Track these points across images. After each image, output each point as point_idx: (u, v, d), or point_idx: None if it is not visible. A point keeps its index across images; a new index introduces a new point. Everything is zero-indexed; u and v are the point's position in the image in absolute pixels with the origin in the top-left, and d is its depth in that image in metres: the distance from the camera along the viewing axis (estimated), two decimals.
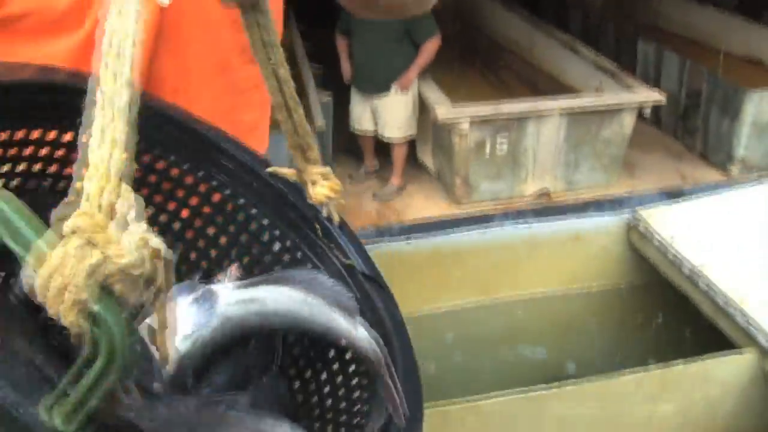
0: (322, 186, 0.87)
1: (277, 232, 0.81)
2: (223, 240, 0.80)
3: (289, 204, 0.80)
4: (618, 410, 1.28)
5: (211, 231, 0.79)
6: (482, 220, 1.75)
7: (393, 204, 2.65)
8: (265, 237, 0.81)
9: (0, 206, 0.49)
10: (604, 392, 1.27)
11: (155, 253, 0.50)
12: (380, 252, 1.44)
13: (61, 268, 0.48)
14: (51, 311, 0.47)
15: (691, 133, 2.98)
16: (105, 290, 0.50)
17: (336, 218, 0.84)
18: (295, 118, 0.75)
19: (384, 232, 1.76)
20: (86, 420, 0.51)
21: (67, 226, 0.48)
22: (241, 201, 0.80)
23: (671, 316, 1.62)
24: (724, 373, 1.33)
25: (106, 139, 0.52)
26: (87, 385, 0.51)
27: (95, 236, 0.48)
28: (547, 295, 1.72)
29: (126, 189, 0.51)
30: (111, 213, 0.49)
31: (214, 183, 0.79)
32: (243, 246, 0.81)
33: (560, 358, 1.53)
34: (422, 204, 2.63)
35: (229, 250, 0.79)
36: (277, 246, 0.81)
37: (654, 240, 1.64)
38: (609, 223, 1.73)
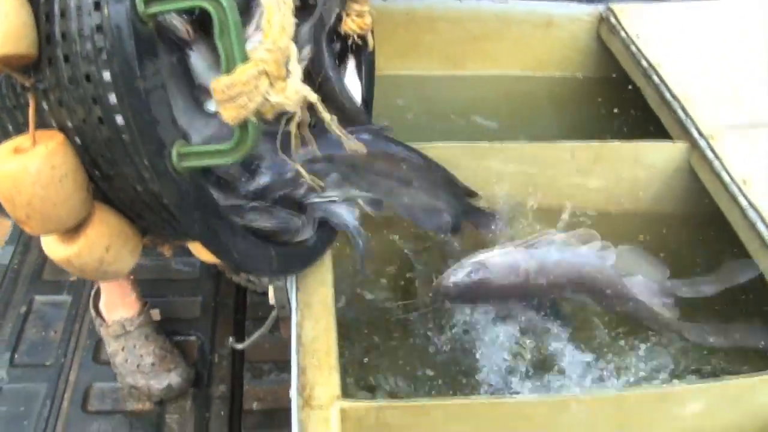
0: (353, 21, 1.12)
1: None
2: None
3: None
4: (552, 175, 1.39)
5: None
6: None
7: None
8: None
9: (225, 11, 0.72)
10: (541, 155, 1.38)
11: (303, 99, 0.78)
12: None
13: (243, 80, 0.72)
14: (219, 106, 0.75)
15: None
16: (259, 112, 0.75)
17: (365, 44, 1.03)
18: None
19: None
20: (189, 170, 0.81)
21: (257, 54, 0.73)
22: None
23: (626, 110, 1.70)
24: (654, 157, 1.44)
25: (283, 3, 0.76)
26: (211, 150, 0.81)
27: (273, 70, 0.73)
28: (510, 74, 1.79)
29: (291, 41, 0.75)
30: (284, 57, 0.74)
31: None
32: None
33: (511, 133, 1.61)
34: None
35: None
36: None
37: (620, 34, 1.68)
38: (583, 12, 1.76)
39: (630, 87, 1.65)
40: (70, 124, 0.80)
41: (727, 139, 1.41)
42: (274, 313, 1.20)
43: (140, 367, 1.59)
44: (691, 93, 1.49)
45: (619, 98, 1.72)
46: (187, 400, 1.63)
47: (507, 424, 1.02)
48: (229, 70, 0.74)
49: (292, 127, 0.87)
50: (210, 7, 0.72)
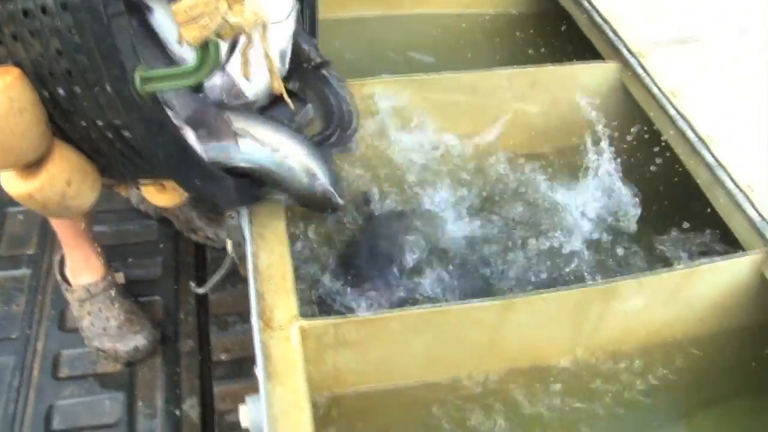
0: None
1: None
2: None
3: None
4: (490, 102, 1.43)
5: None
6: None
7: None
8: None
9: None
10: (479, 84, 1.42)
11: (260, 20, 0.81)
12: None
13: (204, 1, 0.76)
14: (181, 28, 0.78)
15: None
16: (218, 34, 0.78)
17: None
18: None
19: None
20: (151, 92, 0.82)
21: None
22: None
23: (561, 43, 1.74)
24: (588, 79, 1.49)
25: None
26: (173, 73, 0.83)
27: None
28: (446, 13, 1.83)
29: None
30: None
31: None
32: None
33: (446, 65, 1.65)
34: None
35: None
36: None
37: None
38: None
39: (565, 24, 1.70)
40: (26, 59, 0.80)
41: (655, 55, 1.47)
42: (230, 254, 1.23)
43: (106, 330, 1.61)
44: (619, 14, 1.54)
45: (554, 32, 1.77)
46: (157, 358, 1.65)
47: (460, 329, 1.07)
48: None
49: (244, 50, 0.90)
50: None
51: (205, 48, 0.81)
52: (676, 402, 1.26)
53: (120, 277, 1.69)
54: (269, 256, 1.08)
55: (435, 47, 1.77)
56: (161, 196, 1.17)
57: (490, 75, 1.42)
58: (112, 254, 1.75)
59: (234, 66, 1.02)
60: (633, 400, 1.25)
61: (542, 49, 1.78)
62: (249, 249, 1.08)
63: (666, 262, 1.35)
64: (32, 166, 0.85)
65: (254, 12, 0.82)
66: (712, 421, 1.24)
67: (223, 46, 0.99)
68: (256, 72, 0.96)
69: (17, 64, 0.81)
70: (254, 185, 1.11)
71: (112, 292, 1.63)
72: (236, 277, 1.51)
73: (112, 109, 0.82)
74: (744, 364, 1.30)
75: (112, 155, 0.90)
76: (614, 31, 1.51)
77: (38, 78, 0.81)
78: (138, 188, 1.19)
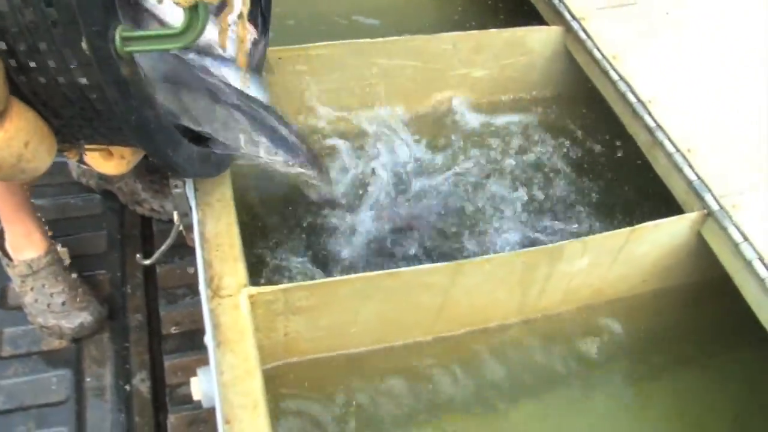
0: None
1: None
2: None
3: None
4: (437, 65, 1.43)
5: None
6: None
7: None
8: None
9: None
10: (424, 48, 1.42)
11: None
12: None
13: None
14: None
15: None
16: None
17: None
18: None
19: None
20: (129, 54, 0.79)
21: None
22: None
23: (505, 4, 1.75)
24: (532, 43, 1.50)
25: None
26: (157, 34, 0.79)
27: None
28: None
29: None
30: None
31: None
32: None
33: (393, 31, 1.64)
34: None
35: None
36: None
37: None
38: None
39: None
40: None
41: (597, 19, 1.48)
42: (177, 223, 1.21)
43: (50, 306, 1.57)
44: None
45: None
46: (105, 333, 1.63)
47: (410, 293, 1.08)
48: None
49: (224, 16, 0.87)
50: None
51: (194, 10, 0.77)
52: (620, 358, 1.30)
53: (64, 253, 1.65)
54: (216, 224, 1.06)
55: (378, 9, 1.75)
56: (107, 163, 1.14)
57: (436, 39, 1.42)
58: (55, 228, 1.71)
59: (210, 31, 0.99)
60: (578, 357, 1.29)
61: (487, 11, 1.78)
62: (195, 217, 1.07)
63: (611, 223, 1.38)
64: None
65: None
66: (653, 376, 1.29)
67: None
68: (231, 38, 0.95)
69: None
70: (214, 154, 1.09)
71: (56, 268, 1.59)
72: (184, 249, 1.49)
73: (83, 68, 0.77)
74: (683, 321, 1.34)
75: (69, 116, 0.86)
76: None
77: None
78: (83, 155, 1.15)
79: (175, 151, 0.95)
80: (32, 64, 0.79)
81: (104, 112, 0.84)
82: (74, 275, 1.63)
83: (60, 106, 0.85)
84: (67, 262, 1.65)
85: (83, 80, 0.79)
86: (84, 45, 0.75)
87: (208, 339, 0.94)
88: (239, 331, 0.94)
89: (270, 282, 1.27)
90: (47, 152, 0.88)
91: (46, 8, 0.73)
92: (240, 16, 0.88)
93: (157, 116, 0.89)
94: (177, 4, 0.76)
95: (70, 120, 0.87)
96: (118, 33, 0.77)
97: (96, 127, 0.88)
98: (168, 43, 0.79)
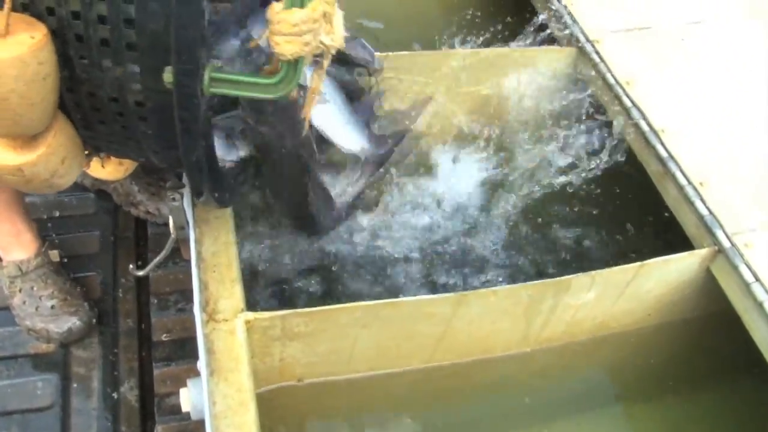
0: None
1: None
2: None
3: None
4: (446, 84, 1.40)
5: None
6: None
7: None
8: None
9: None
10: (433, 64, 1.38)
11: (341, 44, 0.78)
12: None
13: (315, 17, 0.71)
14: (280, 38, 0.72)
15: None
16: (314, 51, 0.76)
17: None
18: None
19: None
20: (214, 96, 0.76)
21: None
22: None
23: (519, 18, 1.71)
24: (544, 63, 1.47)
25: None
26: (250, 81, 0.77)
27: (330, 12, 0.74)
28: None
29: None
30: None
31: None
32: None
33: (398, 34, 1.62)
34: None
35: None
36: None
37: None
38: None
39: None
40: (54, 15, 0.69)
41: (611, 42, 1.46)
42: (173, 236, 1.18)
43: (39, 309, 1.54)
44: (576, 1, 1.52)
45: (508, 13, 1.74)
46: (94, 338, 1.59)
47: (411, 323, 1.05)
48: (298, 5, 0.70)
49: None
50: None
51: (292, 65, 0.74)
52: (620, 390, 1.28)
53: (54, 255, 1.61)
54: (214, 243, 1.03)
55: (383, 12, 1.72)
56: (104, 168, 1.11)
57: (445, 55, 1.39)
58: (46, 227, 1.67)
59: None
60: (578, 389, 1.27)
61: (496, 28, 1.75)
62: (192, 235, 1.03)
63: (620, 255, 1.36)
64: (30, 137, 0.76)
65: (341, 35, 0.77)
66: (651, 408, 1.27)
67: None
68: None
69: (37, 17, 0.69)
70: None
71: (46, 270, 1.56)
72: (178, 255, 1.45)
73: (152, 93, 0.73)
74: (684, 354, 1.32)
75: (106, 132, 0.82)
76: (572, 16, 1.48)
77: (59, 38, 0.70)
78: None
79: (217, 182, 0.92)
80: (85, 78, 0.75)
81: (151, 136, 0.80)
82: (65, 278, 1.59)
83: (100, 122, 0.81)
84: (57, 263, 1.61)
85: (148, 104, 0.75)
86: (166, 76, 0.71)
87: (202, 366, 0.91)
88: (234, 358, 0.91)
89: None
90: (78, 167, 0.84)
91: (125, 29, 0.69)
92: (320, 66, 0.83)
93: (210, 151, 0.86)
94: (279, 54, 0.72)
95: (104, 135, 0.83)
96: (208, 72, 0.74)
97: (129, 145, 0.84)
98: (258, 92, 0.76)
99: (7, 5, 0.65)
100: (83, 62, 0.73)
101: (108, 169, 1.04)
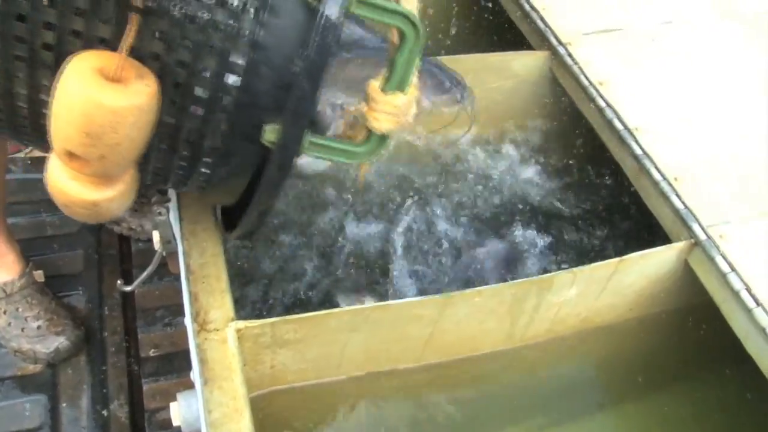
0: None
1: None
2: None
3: None
4: None
5: None
6: None
7: None
8: None
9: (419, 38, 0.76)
10: None
11: None
12: None
13: (411, 102, 0.79)
14: (380, 115, 0.78)
15: None
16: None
17: None
18: None
19: None
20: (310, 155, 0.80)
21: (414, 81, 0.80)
22: None
23: (499, 33, 1.75)
24: (518, 67, 1.50)
25: None
26: (342, 148, 0.82)
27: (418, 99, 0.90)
28: None
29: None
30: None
31: None
32: None
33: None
34: None
35: None
36: None
37: None
38: None
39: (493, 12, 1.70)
40: (157, 60, 0.69)
41: (584, 45, 1.49)
42: (159, 251, 1.18)
43: (25, 330, 1.54)
44: (548, 4, 1.55)
45: (481, 19, 1.77)
46: (81, 356, 1.59)
47: (398, 325, 1.07)
48: (400, 89, 0.77)
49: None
50: (406, 30, 0.75)
51: (383, 138, 0.81)
52: (605, 385, 1.30)
53: (39, 275, 1.61)
54: (202, 255, 1.04)
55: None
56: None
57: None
58: (30, 247, 1.67)
59: None
60: (564, 384, 1.29)
61: (470, 36, 1.78)
62: (180, 247, 1.04)
63: (599, 251, 1.38)
64: None
65: (415, 113, 0.83)
66: (638, 400, 1.29)
67: None
68: None
69: (139, 59, 0.69)
70: None
71: (31, 291, 1.56)
72: (163, 270, 1.46)
73: (235, 143, 0.76)
74: (667, 346, 1.35)
75: (163, 168, 0.82)
76: (543, 20, 1.52)
77: (159, 80, 0.70)
78: None
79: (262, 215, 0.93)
80: (173, 122, 0.76)
81: (206, 175, 0.82)
82: (50, 297, 1.60)
83: (162, 159, 0.81)
84: (42, 283, 1.61)
85: (227, 151, 0.77)
86: (268, 135, 0.74)
87: (195, 376, 0.92)
88: (227, 367, 0.92)
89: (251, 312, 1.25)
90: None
91: (235, 91, 0.71)
92: None
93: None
94: (376, 129, 0.79)
95: (155, 166, 0.84)
96: (308, 138, 0.77)
97: (170, 178, 0.85)
98: (345, 158, 0.82)
99: (125, 52, 0.66)
100: (172, 107, 0.74)
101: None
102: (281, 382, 1.12)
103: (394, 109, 0.78)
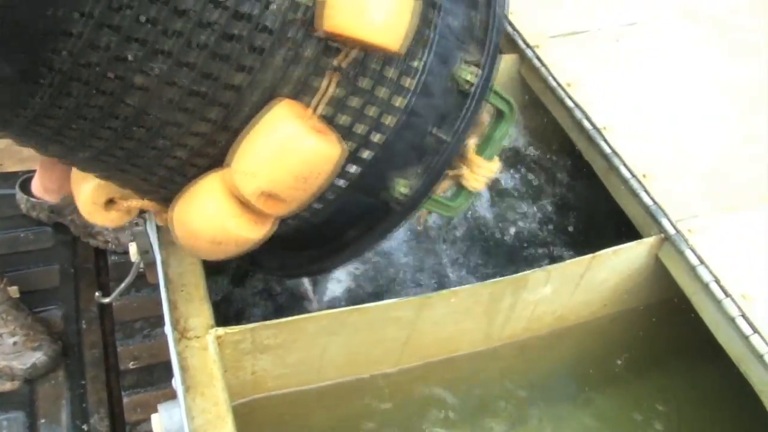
0: None
1: None
2: None
3: None
4: None
5: None
6: None
7: None
8: None
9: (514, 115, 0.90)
10: None
11: None
12: None
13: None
14: (477, 175, 0.86)
15: None
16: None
17: None
18: None
19: None
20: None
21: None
22: None
23: None
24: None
25: None
26: (440, 200, 0.90)
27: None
28: None
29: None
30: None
31: None
32: None
33: None
34: None
35: None
36: None
37: None
38: None
39: None
40: (341, 125, 0.69)
41: (551, 47, 1.51)
42: (137, 261, 1.19)
43: (1, 347, 1.53)
44: (516, 8, 1.58)
45: None
46: (60, 371, 1.58)
47: (378, 328, 1.08)
48: (489, 157, 0.86)
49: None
50: (506, 109, 0.86)
51: (470, 194, 0.88)
52: (584, 379, 1.33)
53: (14, 291, 1.60)
54: (180, 264, 1.04)
55: None
56: (107, 214, 1.10)
57: None
58: (4, 264, 1.66)
59: None
60: (541, 383, 1.30)
61: None
62: (158, 257, 1.05)
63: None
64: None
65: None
66: (616, 395, 1.31)
67: None
68: None
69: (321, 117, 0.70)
70: None
71: (6, 307, 1.55)
72: (141, 281, 1.46)
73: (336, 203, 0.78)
74: (641, 341, 1.37)
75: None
76: (511, 24, 1.54)
77: None
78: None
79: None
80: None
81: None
82: (26, 313, 1.59)
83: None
84: (17, 299, 1.60)
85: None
86: (401, 189, 0.77)
87: (177, 384, 0.92)
88: (208, 373, 0.93)
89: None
90: None
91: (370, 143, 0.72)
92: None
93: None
94: (471, 188, 0.87)
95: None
96: (399, 188, 0.80)
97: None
98: (444, 211, 0.89)
99: (321, 106, 0.66)
100: None
101: (112, 215, 1.01)
102: (263, 389, 1.13)
103: (489, 173, 0.87)
